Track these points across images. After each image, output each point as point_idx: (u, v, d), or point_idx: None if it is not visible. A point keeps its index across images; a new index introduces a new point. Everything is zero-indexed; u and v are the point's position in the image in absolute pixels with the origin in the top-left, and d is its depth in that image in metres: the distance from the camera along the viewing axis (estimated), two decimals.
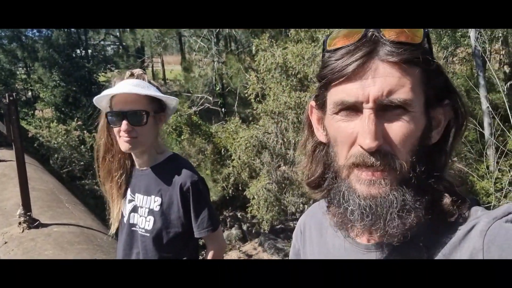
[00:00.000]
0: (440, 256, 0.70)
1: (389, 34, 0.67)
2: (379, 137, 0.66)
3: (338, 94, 0.70)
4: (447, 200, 0.72)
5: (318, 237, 0.91)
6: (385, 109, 0.67)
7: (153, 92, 1.65)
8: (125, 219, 1.79)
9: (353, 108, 0.69)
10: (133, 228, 1.77)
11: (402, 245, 0.71)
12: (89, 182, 10.19)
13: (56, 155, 9.96)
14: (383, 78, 0.66)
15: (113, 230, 1.82)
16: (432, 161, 0.73)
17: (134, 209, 1.77)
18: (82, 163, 10.49)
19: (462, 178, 0.77)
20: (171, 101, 1.72)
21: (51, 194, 5.09)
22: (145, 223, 1.72)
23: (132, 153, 1.74)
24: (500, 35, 12.11)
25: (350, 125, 0.70)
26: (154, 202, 1.71)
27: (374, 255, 0.77)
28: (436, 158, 0.74)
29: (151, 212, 1.72)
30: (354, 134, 0.69)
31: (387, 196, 0.68)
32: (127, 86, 1.63)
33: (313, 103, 0.82)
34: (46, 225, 3.71)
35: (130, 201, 1.79)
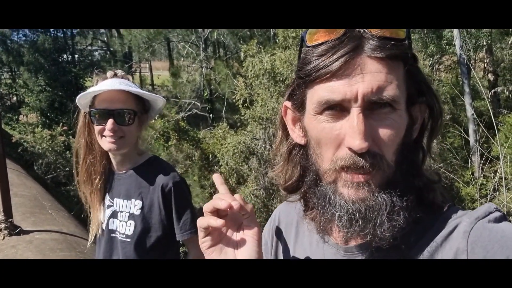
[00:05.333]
0: (422, 257, 0.68)
1: (373, 29, 0.65)
2: (368, 137, 0.63)
3: (322, 92, 0.66)
4: (427, 198, 0.71)
5: (294, 237, 0.88)
6: (372, 108, 0.64)
7: (143, 91, 1.62)
8: (103, 226, 1.73)
9: (338, 108, 0.66)
10: (113, 235, 1.71)
11: (383, 246, 0.69)
12: (74, 188, 10.02)
13: (40, 161, 9.80)
14: (372, 74, 0.63)
15: (91, 238, 1.76)
16: (412, 158, 0.71)
17: (113, 215, 1.71)
18: (67, 169, 10.32)
19: (438, 174, 0.75)
20: (159, 102, 1.69)
21: (34, 200, 4.99)
22: (125, 228, 1.67)
23: (112, 155, 1.70)
24: (484, 43, 12.33)
25: (336, 125, 0.66)
26: (135, 206, 1.66)
27: (355, 256, 0.75)
28: (414, 155, 0.72)
29: (131, 216, 1.66)
30: (340, 135, 0.66)
31: (376, 199, 0.65)
32: (115, 84, 1.58)
33: (287, 103, 0.78)
34: (27, 232, 3.63)
35: (109, 206, 1.73)
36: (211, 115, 16.02)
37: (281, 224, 0.94)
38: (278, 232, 0.93)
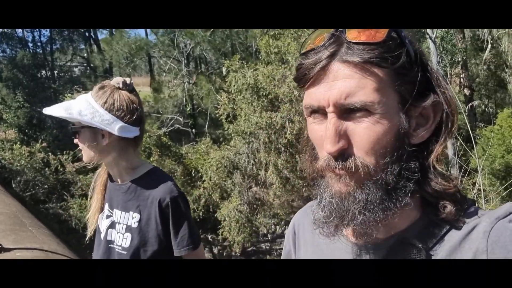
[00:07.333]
0: (439, 257, 0.68)
1: (351, 34, 0.66)
2: (342, 141, 0.66)
3: (305, 97, 0.71)
4: (442, 200, 0.70)
5: (311, 237, 0.89)
6: (348, 112, 0.66)
7: (67, 115, 1.59)
8: (102, 236, 1.70)
9: (320, 112, 0.69)
10: (110, 245, 1.68)
11: (399, 245, 0.70)
12: (53, 205, 9.80)
13: (18, 178, 9.57)
14: (343, 81, 0.65)
15: (90, 232, 1.76)
16: (420, 160, 0.70)
17: (112, 225, 1.69)
18: (46, 186, 10.11)
19: (455, 176, 0.75)
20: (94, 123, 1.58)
21: (13, 218, 4.85)
22: (122, 241, 1.64)
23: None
24: (460, 59, 12.71)
25: (320, 128, 0.70)
26: (133, 219, 1.63)
27: (369, 255, 0.75)
28: (424, 157, 0.70)
29: (128, 228, 1.63)
30: (323, 138, 0.69)
31: (352, 192, 0.68)
32: (63, 104, 1.66)
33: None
34: (8, 250, 3.51)
35: (108, 216, 1.70)
36: (193, 130, 15.96)
37: (298, 230, 0.96)
38: (297, 238, 0.96)
